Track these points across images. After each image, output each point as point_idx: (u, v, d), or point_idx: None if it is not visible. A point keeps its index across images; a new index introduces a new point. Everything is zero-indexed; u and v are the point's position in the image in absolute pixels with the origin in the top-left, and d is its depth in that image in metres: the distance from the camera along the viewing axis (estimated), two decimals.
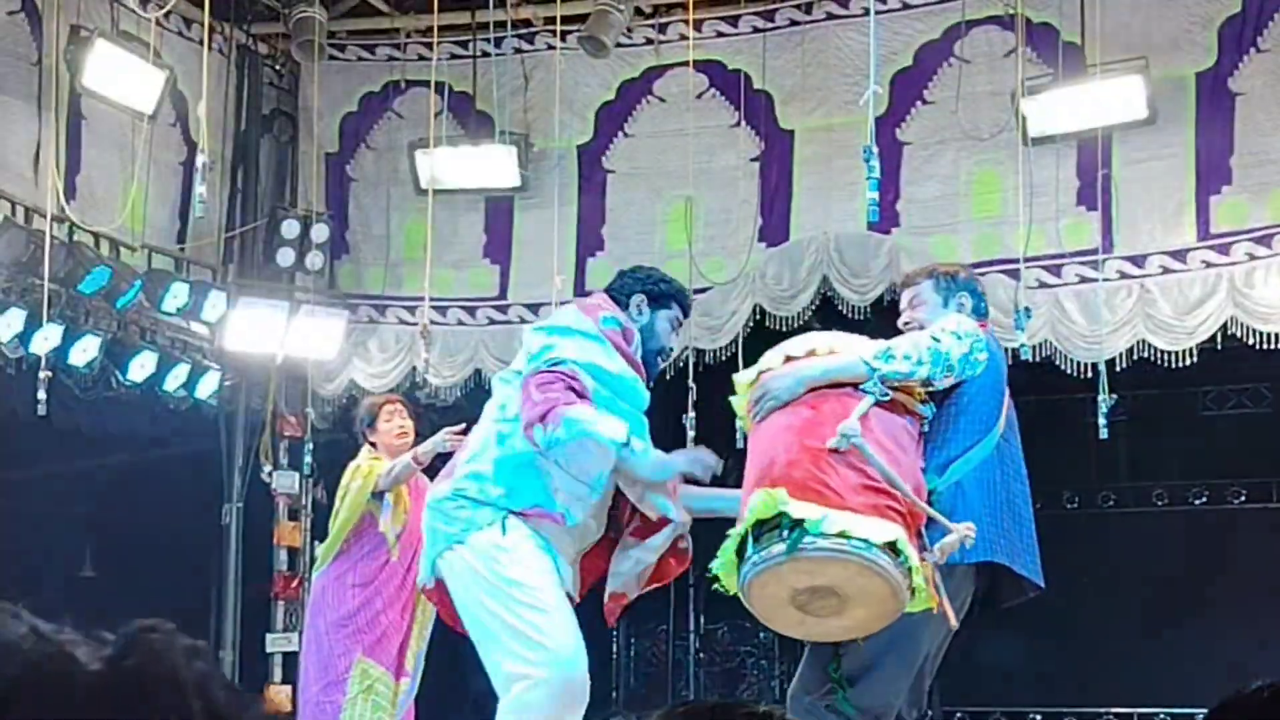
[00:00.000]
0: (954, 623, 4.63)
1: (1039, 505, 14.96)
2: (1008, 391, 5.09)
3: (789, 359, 4.82)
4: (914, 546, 4.43)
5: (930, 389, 4.82)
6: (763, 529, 4.42)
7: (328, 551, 7.52)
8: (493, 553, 4.89)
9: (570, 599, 5.09)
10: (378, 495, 7.35)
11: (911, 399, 4.78)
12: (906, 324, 5.19)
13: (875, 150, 6.35)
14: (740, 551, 4.47)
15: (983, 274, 9.87)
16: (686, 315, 5.45)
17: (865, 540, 4.32)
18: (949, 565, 4.66)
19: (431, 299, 10.48)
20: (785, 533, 4.36)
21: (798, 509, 4.34)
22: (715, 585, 4.63)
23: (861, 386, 4.65)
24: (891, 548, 4.37)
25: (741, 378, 5.01)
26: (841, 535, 4.32)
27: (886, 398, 4.68)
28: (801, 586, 4.43)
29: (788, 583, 4.43)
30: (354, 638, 7.33)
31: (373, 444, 7.58)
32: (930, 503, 4.65)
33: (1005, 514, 4.88)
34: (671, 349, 5.42)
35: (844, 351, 4.83)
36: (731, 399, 5.08)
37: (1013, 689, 12.91)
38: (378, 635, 7.34)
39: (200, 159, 7.85)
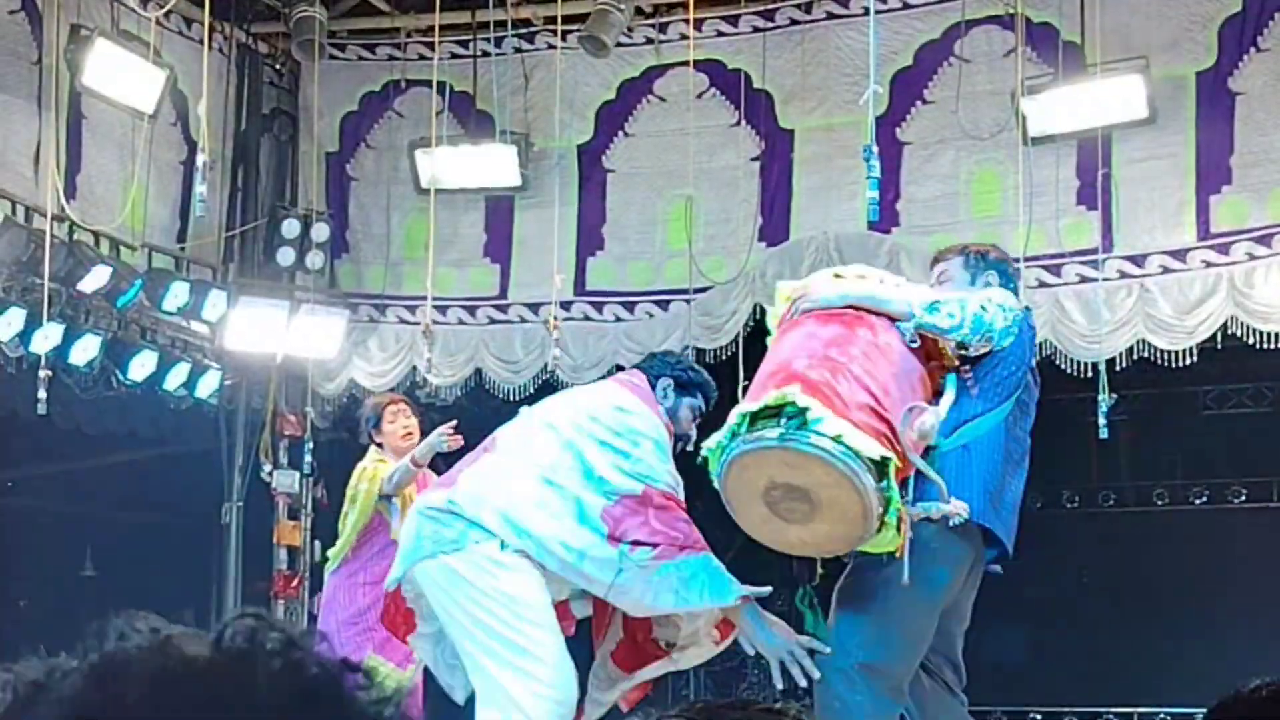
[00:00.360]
0: (905, 578, 4.58)
1: (1039, 505, 14.98)
2: (1033, 374, 5.11)
3: (837, 276, 4.90)
4: (898, 483, 4.46)
5: (963, 352, 4.85)
6: (761, 415, 4.45)
7: (338, 554, 7.56)
8: (489, 566, 4.83)
9: None
10: (385, 498, 7.39)
11: (942, 357, 4.83)
12: None
13: (875, 149, 6.34)
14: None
15: None
16: (709, 408, 5.42)
17: (855, 452, 4.34)
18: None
19: (432, 298, 10.49)
20: (784, 420, 4.37)
21: (804, 400, 4.36)
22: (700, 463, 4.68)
23: (897, 324, 4.71)
24: (879, 470, 4.38)
25: (785, 286, 5.07)
26: (836, 439, 4.34)
27: (915, 344, 4.75)
28: (780, 480, 4.43)
29: (768, 471, 4.43)
30: (364, 635, 7.35)
31: (379, 445, 7.60)
32: (931, 460, 4.66)
33: (994, 487, 4.89)
34: (691, 438, 5.37)
35: (894, 287, 4.91)
36: (769, 311, 5.11)
37: (1013, 688, 12.89)
38: (387, 633, 7.38)
39: (200, 158, 7.85)
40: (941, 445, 4.71)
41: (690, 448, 5.21)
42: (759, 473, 4.46)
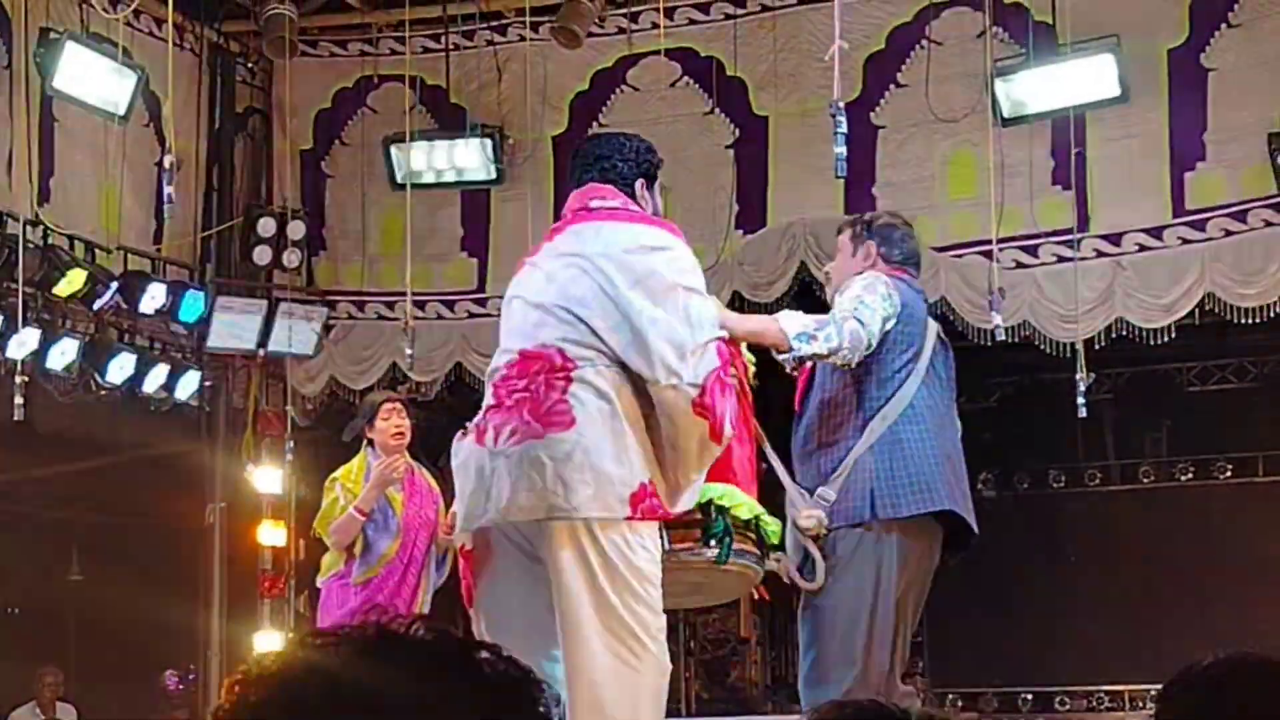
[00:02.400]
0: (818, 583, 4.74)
1: (1025, 485, 14.94)
2: (933, 340, 5.10)
3: None
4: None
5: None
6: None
7: (328, 567, 7.44)
8: (626, 534, 4.25)
9: None
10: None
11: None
12: (827, 272, 5.43)
13: (841, 107, 6.30)
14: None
15: (960, 255, 9.90)
16: None
17: (760, 553, 4.55)
18: (910, 518, 4.76)
19: (411, 294, 10.48)
20: (714, 540, 4.48)
21: (744, 510, 4.46)
22: None
23: (780, 356, 4.79)
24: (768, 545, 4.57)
25: None
26: (751, 547, 4.56)
27: (797, 373, 4.95)
28: (692, 581, 4.60)
29: (688, 579, 4.57)
30: None
31: (370, 442, 7.54)
32: (856, 463, 4.81)
33: (946, 463, 4.91)
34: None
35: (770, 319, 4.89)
36: None
37: (1004, 669, 12.92)
38: None
39: (168, 159, 7.80)
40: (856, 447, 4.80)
41: None
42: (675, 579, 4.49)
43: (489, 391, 4.43)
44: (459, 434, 4.52)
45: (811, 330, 4.68)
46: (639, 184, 4.57)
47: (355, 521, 7.14)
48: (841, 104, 6.24)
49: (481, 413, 4.42)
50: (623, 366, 4.21)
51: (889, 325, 4.85)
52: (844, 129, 6.43)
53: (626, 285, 4.24)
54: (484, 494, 4.28)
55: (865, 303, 4.80)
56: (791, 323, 4.72)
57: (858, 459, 4.82)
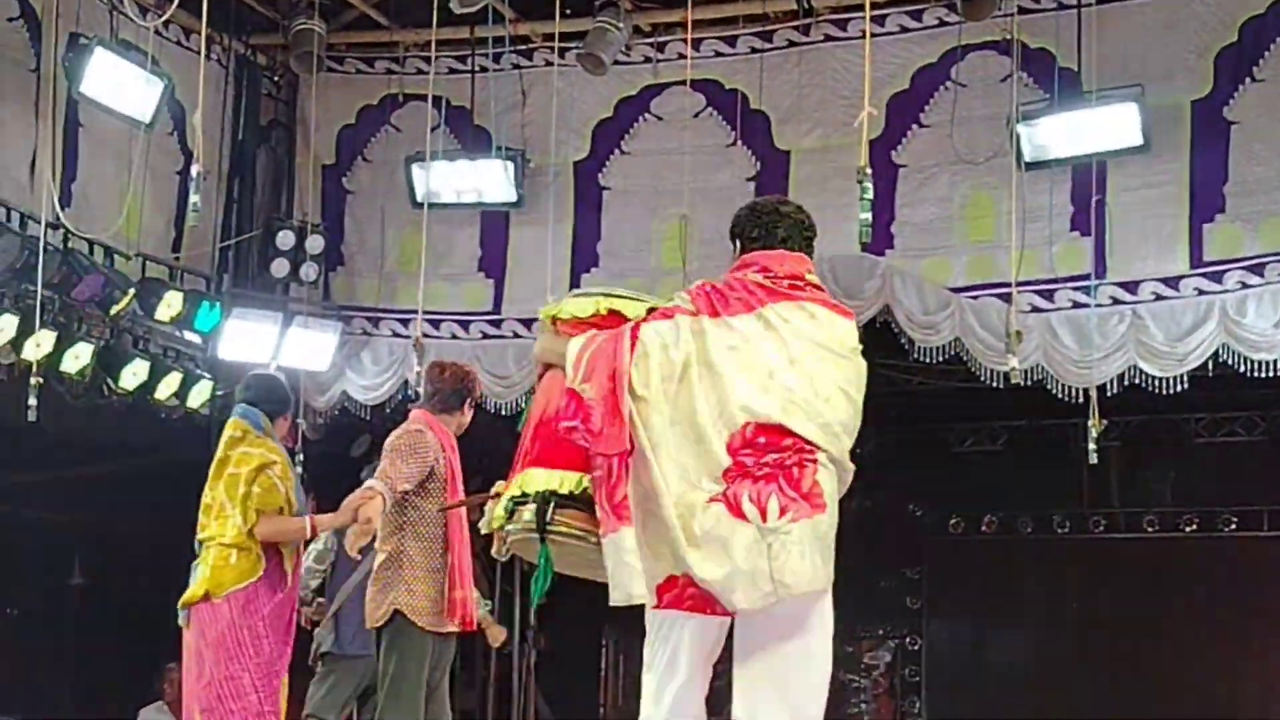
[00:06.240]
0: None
1: (1029, 530, 14.89)
2: None
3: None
4: None
5: None
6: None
7: (243, 575, 6.56)
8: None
9: None
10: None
11: None
12: None
13: (869, 173, 6.34)
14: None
15: (975, 297, 9.92)
16: None
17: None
18: None
19: (425, 312, 10.48)
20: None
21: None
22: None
23: None
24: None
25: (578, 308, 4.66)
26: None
27: None
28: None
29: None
30: (274, 689, 6.60)
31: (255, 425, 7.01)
32: None
33: None
34: None
35: None
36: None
37: (1000, 709, 12.91)
38: (276, 683, 6.65)
39: (195, 168, 7.84)
40: None
41: None
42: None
43: (719, 447, 4.28)
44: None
45: None
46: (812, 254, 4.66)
47: (302, 533, 6.65)
48: (869, 171, 6.28)
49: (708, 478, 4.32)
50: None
51: None
52: (870, 195, 6.46)
53: (856, 389, 4.48)
54: (764, 573, 4.24)
55: None
56: None
57: None
